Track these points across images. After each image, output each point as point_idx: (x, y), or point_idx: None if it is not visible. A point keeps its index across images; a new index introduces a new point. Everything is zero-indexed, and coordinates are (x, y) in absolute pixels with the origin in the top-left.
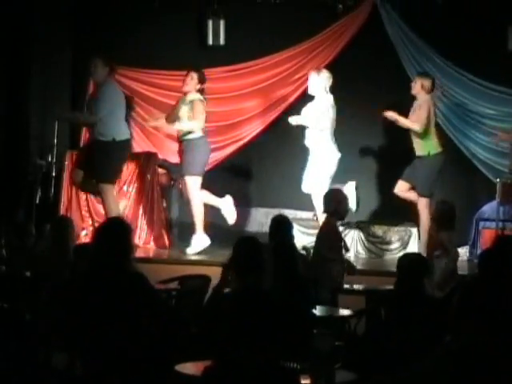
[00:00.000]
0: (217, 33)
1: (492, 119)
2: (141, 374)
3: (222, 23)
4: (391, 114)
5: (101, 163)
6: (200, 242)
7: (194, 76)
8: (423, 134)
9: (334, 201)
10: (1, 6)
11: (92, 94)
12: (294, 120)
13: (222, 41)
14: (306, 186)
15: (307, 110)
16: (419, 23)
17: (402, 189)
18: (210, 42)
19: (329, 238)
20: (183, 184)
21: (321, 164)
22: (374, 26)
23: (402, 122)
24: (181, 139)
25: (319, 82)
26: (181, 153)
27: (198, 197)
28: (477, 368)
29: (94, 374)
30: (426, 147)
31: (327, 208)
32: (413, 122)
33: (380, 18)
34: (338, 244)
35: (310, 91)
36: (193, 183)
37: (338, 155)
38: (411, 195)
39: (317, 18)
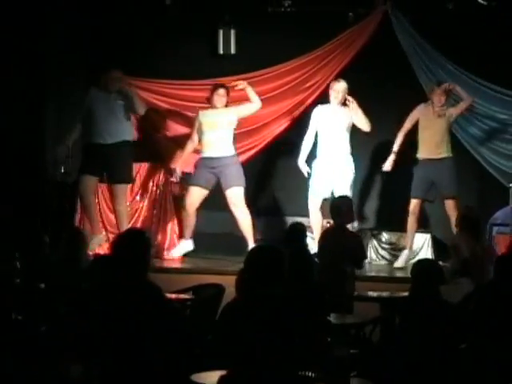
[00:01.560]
0: (228, 42)
1: (504, 124)
2: None
3: (232, 32)
4: None
5: (126, 164)
6: None
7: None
8: None
9: (349, 211)
10: (16, 29)
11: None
12: None
13: (232, 50)
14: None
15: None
16: (430, 30)
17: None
18: (221, 51)
19: (355, 252)
20: (232, 196)
21: (350, 182)
22: (386, 34)
23: None
24: (220, 155)
25: (341, 92)
26: (221, 167)
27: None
28: (494, 371)
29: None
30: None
31: (345, 219)
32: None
33: (391, 25)
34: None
35: (334, 100)
36: (243, 194)
37: None
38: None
39: (327, 26)
